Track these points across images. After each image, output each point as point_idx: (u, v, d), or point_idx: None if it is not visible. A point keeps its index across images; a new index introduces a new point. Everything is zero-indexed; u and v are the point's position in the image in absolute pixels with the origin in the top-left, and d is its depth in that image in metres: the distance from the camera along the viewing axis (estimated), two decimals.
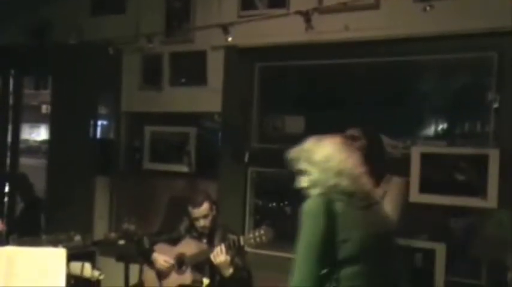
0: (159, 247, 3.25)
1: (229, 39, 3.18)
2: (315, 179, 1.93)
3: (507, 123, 3.01)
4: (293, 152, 2.01)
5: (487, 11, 2.95)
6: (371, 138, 2.53)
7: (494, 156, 2.99)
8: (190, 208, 3.12)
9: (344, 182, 1.88)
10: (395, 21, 3.21)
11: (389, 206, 2.38)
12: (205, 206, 3.11)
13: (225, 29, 3.16)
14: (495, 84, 3.10)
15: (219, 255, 2.90)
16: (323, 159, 1.94)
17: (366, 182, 1.98)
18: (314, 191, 1.91)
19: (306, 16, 2.76)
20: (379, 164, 2.52)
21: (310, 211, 1.90)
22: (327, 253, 1.82)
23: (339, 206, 1.86)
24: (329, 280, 1.83)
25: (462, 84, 3.37)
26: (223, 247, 2.90)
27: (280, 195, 3.82)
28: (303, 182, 1.95)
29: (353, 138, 2.49)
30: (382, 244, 1.92)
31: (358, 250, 1.83)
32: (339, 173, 1.90)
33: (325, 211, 1.84)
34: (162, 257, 3.16)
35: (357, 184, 1.92)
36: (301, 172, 1.97)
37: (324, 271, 1.82)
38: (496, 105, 3.09)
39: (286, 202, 3.79)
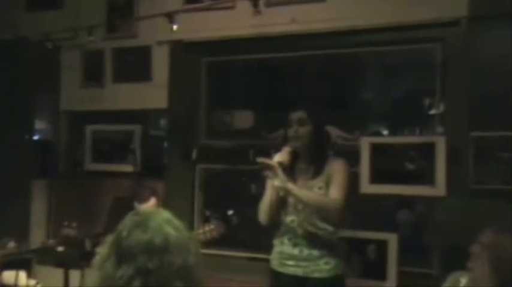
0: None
1: (175, 27, 3.07)
2: None
3: (452, 111, 3.06)
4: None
5: (432, 2, 3.00)
6: (317, 123, 2.52)
7: (440, 144, 3.02)
8: (136, 204, 2.97)
9: None
10: (341, 13, 3.21)
11: (335, 189, 2.40)
12: (152, 202, 2.97)
13: (170, 17, 3.05)
14: (440, 73, 3.14)
15: None
16: None
17: None
18: None
19: (254, 1, 2.70)
20: (323, 149, 2.54)
21: None
22: None
23: None
24: None
25: (408, 74, 3.42)
26: None
27: (229, 192, 3.72)
28: None
29: (300, 122, 2.48)
30: None
31: None
32: None
33: None
34: None
35: None
36: None
37: None
38: (436, 111, 3.12)
39: (235, 200, 3.68)
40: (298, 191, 2.36)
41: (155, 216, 1.25)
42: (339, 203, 2.37)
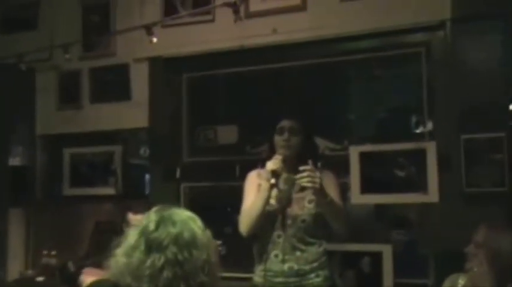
0: (87, 272, 2.87)
1: (154, 39, 2.97)
2: None
3: (441, 116, 3.00)
4: None
5: (415, 6, 2.96)
6: (307, 133, 2.52)
7: (431, 149, 2.95)
8: (130, 216, 2.79)
9: None
10: (322, 21, 3.17)
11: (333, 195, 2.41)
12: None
13: (148, 29, 2.96)
14: (426, 77, 3.10)
15: None
16: None
17: None
18: None
19: (234, 7, 2.63)
20: (313, 158, 2.45)
21: None
22: None
23: None
24: None
25: (394, 81, 3.37)
26: None
27: (216, 210, 3.58)
28: None
29: (292, 131, 2.44)
30: None
31: None
32: None
33: None
34: (91, 277, 2.78)
35: None
36: None
37: None
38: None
39: (223, 218, 3.54)
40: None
41: (180, 212, 1.33)
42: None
